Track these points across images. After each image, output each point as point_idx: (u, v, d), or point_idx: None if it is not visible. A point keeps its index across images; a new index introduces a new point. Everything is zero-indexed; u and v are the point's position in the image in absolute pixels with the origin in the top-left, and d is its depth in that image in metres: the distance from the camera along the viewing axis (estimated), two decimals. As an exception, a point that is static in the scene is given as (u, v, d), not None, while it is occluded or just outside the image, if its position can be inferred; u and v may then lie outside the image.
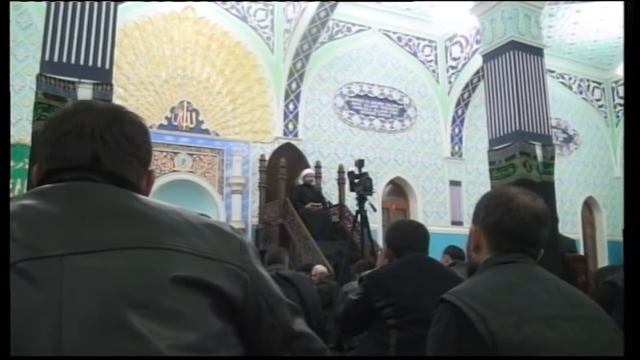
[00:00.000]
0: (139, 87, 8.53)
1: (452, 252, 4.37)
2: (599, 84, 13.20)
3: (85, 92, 4.39)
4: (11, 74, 7.16)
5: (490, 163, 6.10)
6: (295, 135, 9.58)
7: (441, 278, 2.17)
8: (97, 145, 0.83)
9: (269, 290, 0.84)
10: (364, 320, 2.22)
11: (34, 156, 4.19)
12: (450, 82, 11.10)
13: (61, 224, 0.73)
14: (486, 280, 1.20)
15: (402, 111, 10.79)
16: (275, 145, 9.27)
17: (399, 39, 10.91)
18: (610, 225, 12.61)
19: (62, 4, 4.56)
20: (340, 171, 8.78)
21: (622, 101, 12.95)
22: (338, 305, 2.36)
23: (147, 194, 0.90)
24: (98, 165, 0.82)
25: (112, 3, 4.78)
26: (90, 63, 4.55)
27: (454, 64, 11.04)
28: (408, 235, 2.30)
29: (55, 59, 4.46)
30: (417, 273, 2.20)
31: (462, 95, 10.96)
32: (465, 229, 8.95)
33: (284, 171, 8.16)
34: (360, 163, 6.31)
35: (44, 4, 4.85)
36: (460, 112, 11.08)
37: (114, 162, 0.83)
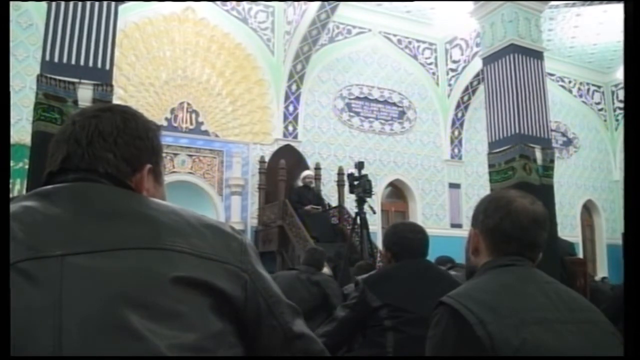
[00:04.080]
0: (139, 88, 8.53)
1: None
2: (599, 87, 13.22)
3: (85, 92, 4.38)
4: (11, 74, 7.16)
5: (490, 166, 6.09)
6: (295, 137, 9.59)
7: (437, 280, 2.19)
8: (83, 146, 0.83)
9: (269, 291, 0.84)
10: (354, 328, 2.23)
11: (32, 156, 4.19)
12: (450, 85, 11.11)
13: (62, 225, 0.73)
14: (485, 283, 1.20)
15: (401, 113, 10.80)
16: (275, 147, 9.27)
17: (399, 41, 10.92)
18: (610, 228, 12.62)
19: (62, 4, 4.55)
20: (340, 173, 8.77)
21: (621, 105, 12.96)
22: (330, 323, 2.29)
23: (157, 193, 0.90)
24: (80, 165, 0.83)
25: (113, 3, 4.78)
26: (91, 64, 4.55)
27: (454, 66, 11.06)
28: (406, 242, 2.31)
29: (56, 59, 4.45)
30: (413, 275, 2.21)
31: (462, 98, 10.97)
32: (465, 231, 8.95)
33: (284, 173, 8.16)
34: (359, 165, 6.31)
35: (44, 4, 4.85)
36: (460, 114, 11.09)
37: (91, 162, 0.83)
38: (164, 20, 8.87)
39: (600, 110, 13.24)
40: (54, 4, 4.54)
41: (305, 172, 8.66)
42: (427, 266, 2.33)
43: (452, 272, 3.25)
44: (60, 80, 4.33)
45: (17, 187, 7.04)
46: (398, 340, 2.06)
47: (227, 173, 8.95)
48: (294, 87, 9.59)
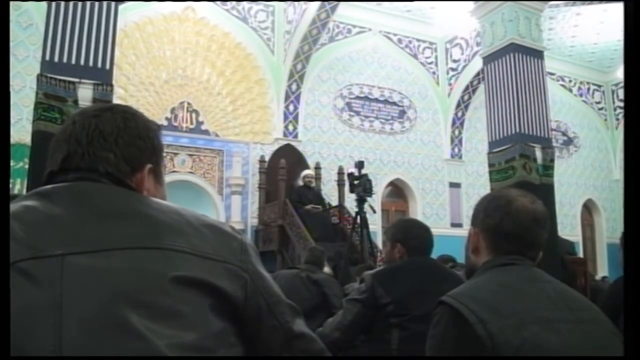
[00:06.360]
0: (139, 88, 8.53)
1: None
2: (599, 86, 13.21)
3: (85, 92, 4.38)
4: (11, 74, 7.16)
5: (490, 165, 6.10)
6: (295, 136, 9.59)
7: (443, 278, 2.18)
8: (83, 145, 0.83)
9: (269, 290, 0.84)
10: (367, 322, 2.20)
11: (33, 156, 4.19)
12: (450, 84, 11.10)
13: (62, 224, 0.73)
14: (485, 282, 1.20)
15: (402, 113, 10.79)
16: (275, 146, 9.27)
17: (400, 40, 10.92)
18: (610, 227, 12.61)
19: (62, 4, 4.55)
20: (340, 172, 8.77)
21: (622, 104, 12.96)
22: (343, 317, 2.25)
23: (158, 193, 0.90)
24: (83, 164, 0.83)
25: (113, 3, 4.78)
26: (91, 63, 4.55)
27: (454, 66, 11.05)
28: (418, 238, 2.29)
29: (56, 59, 4.46)
30: (421, 272, 2.20)
31: (462, 97, 10.96)
32: (465, 231, 8.93)
33: (284, 172, 8.16)
34: (360, 164, 6.31)
35: (44, 4, 4.85)
36: (460, 114, 11.08)
37: (92, 161, 0.83)
38: (164, 19, 8.86)
39: (601, 109, 13.24)
40: (54, 4, 4.55)
41: (305, 172, 8.65)
42: (434, 264, 2.33)
43: (453, 272, 3.25)
44: (60, 80, 4.33)
45: (17, 187, 7.03)
46: (403, 337, 2.05)
47: (228, 172, 8.95)
48: (294, 87, 9.59)
